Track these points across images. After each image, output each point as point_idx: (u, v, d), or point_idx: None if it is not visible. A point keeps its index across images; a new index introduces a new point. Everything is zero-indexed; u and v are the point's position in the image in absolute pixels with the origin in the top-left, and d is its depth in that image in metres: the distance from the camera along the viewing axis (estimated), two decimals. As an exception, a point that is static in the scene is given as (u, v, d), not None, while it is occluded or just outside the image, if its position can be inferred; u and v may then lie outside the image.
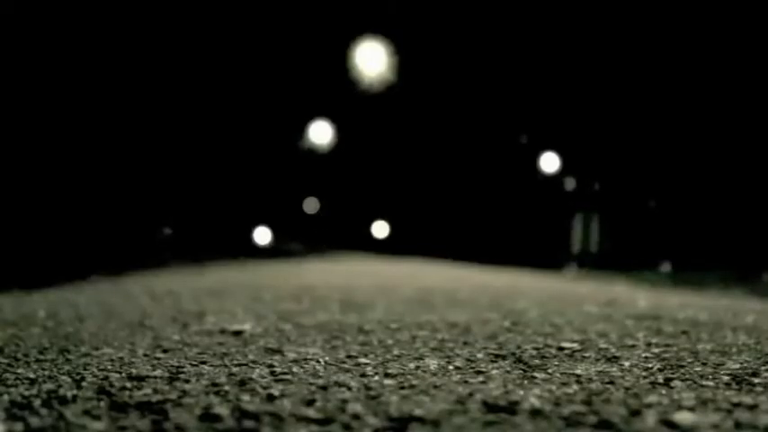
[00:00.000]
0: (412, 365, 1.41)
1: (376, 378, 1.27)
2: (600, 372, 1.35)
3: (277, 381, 1.24)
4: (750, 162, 8.92)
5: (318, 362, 1.44)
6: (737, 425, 0.94)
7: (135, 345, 1.66)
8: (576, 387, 1.20)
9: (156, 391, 1.15)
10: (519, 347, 1.65)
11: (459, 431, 0.92)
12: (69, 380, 1.24)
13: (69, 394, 1.13)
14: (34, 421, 0.97)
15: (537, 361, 1.47)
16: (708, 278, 5.40)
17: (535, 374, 1.32)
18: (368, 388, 1.18)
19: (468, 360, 1.48)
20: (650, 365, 1.42)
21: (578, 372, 1.35)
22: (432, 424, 0.95)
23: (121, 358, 1.48)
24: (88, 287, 3.65)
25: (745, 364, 1.43)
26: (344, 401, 1.08)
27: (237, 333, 1.86)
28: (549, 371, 1.36)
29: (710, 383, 1.24)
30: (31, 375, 1.29)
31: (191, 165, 11.72)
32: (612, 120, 11.43)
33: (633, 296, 3.36)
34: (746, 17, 9.13)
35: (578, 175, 11.62)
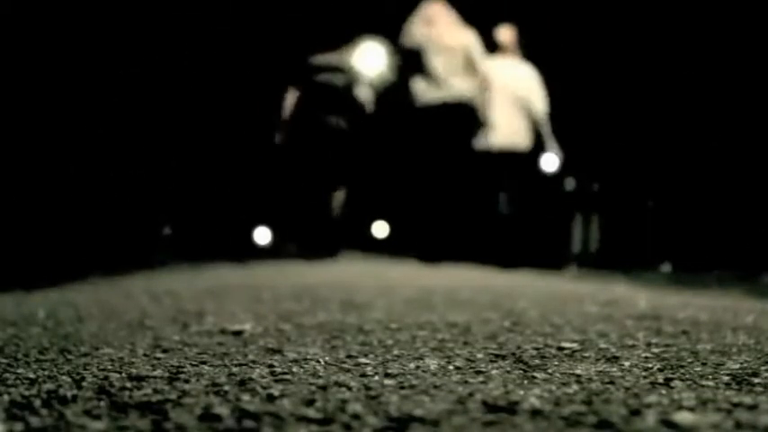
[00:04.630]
0: (412, 365, 1.41)
1: (376, 378, 1.28)
2: (600, 372, 1.35)
3: (277, 381, 1.24)
4: (750, 162, 8.92)
5: (318, 362, 1.44)
6: (737, 425, 0.94)
7: (135, 345, 1.66)
8: (576, 387, 1.20)
9: (156, 391, 1.15)
10: (519, 347, 1.65)
11: (459, 431, 0.92)
12: (69, 380, 1.25)
13: (69, 394, 1.13)
14: (34, 421, 0.97)
15: (537, 361, 1.47)
16: (708, 278, 5.40)
17: (535, 374, 1.32)
18: (368, 388, 1.18)
19: (468, 360, 1.48)
20: (650, 365, 1.42)
21: (578, 372, 1.35)
22: (432, 424, 0.95)
23: (121, 358, 1.48)
24: (88, 287, 3.65)
25: (745, 364, 1.43)
26: (344, 401, 1.08)
27: (237, 333, 1.86)
28: (549, 371, 1.36)
29: (710, 383, 1.24)
30: (31, 375, 1.29)
31: (190, 164, 11.72)
32: (612, 120, 11.43)
33: (633, 296, 3.36)
34: (746, 17, 9.13)
35: (578, 175, 11.63)
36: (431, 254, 6.41)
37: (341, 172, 7.26)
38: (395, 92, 6.41)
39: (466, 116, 6.15)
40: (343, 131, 7.10)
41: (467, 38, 6.35)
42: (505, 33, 6.87)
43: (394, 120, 6.82)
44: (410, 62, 6.29)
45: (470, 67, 6.23)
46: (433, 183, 6.29)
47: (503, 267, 6.21)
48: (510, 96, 6.60)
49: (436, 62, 6.18)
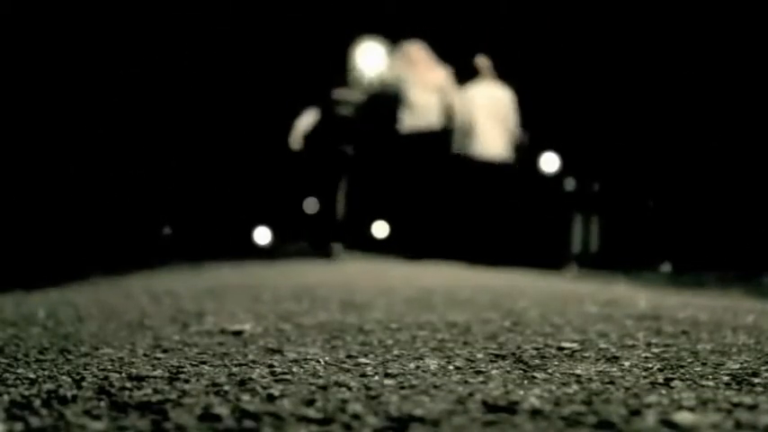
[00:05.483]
0: (412, 365, 1.41)
1: (376, 378, 1.28)
2: (600, 372, 1.35)
3: (277, 381, 1.24)
4: (750, 162, 8.92)
5: (318, 362, 1.44)
6: (737, 425, 0.94)
7: (135, 345, 1.66)
8: (576, 387, 1.20)
9: (156, 391, 1.15)
10: (519, 347, 1.65)
11: (459, 431, 0.92)
12: (69, 380, 1.25)
13: (69, 394, 1.13)
14: (34, 421, 0.97)
15: (537, 361, 1.47)
16: (708, 278, 5.41)
17: (535, 374, 1.32)
18: (368, 388, 1.18)
19: (468, 360, 1.48)
20: (650, 365, 1.42)
21: (578, 372, 1.35)
22: (432, 424, 0.95)
23: (121, 358, 1.48)
24: (88, 287, 3.65)
25: (745, 364, 1.43)
26: (344, 401, 1.08)
27: (237, 333, 1.86)
28: (549, 371, 1.36)
29: (710, 383, 1.24)
30: (31, 375, 1.29)
31: (190, 164, 11.73)
32: (612, 120, 11.43)
33: (633, 296, 3.36)
34: (746, 17, 9.13)
35: (578, 175, 11.65)
36: (418, 252, 7.56)
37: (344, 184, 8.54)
38: (386, 115, 7.85)
39: (437, 140, 7.57)
40: (349, 156, 8.31)
41: (442, 77, 7.69)
42: (483, 61, 8.05)
43: (389, 139, 8.08)
44: (393, 96, 7.70)
45: (445, 100, 7.60)
46: (415, 192, 7.73)
47: (492, 265, 6.92)
48: (491, 114, 7.85)
49: (415, 97, 7.53)
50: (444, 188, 7.67)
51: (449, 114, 7.60)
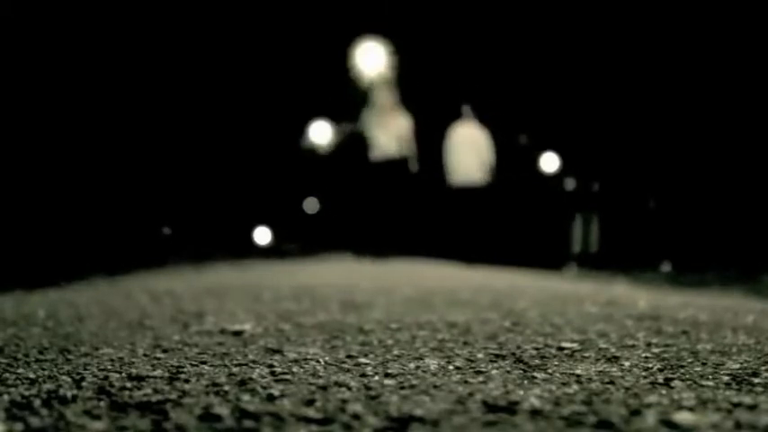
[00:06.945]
0: (412, 365, 1.41)
1: (376, 378, 1.28)
2: (600, 372, 1.35)
3: (277, 381, 1.24)
4: (750, 162, 8.92)
5: (318, 362, 1.44)
6: (737, 425, 0.94)
7: (135, 345, 1.66)
8: (576, 387, 1.20)
9: (156, 391, 1.15)
10: (519, 347, 1.65)
11: (459, 431, 0.92)
12: (69, 380, 1.25)
13: (69, 394, 1.13)
14: (34, 421, 0.97)
15: (537, 361, 1.47)
16: (708, 278, 5.40)
17: (535, 374, 1.32)
18: (368, 388, 1.18)
19: (468, 360, 1.48)
20: (650, 365, 1.42)
21: (578, 372, 1.35)
22: (432, 424, 0.95)
23: (121, 358, 1.48)
24: (88, 287, 3.65)
25: (745, 364, 1.43)
26: (344, 401, 1.08)
27: (237, 333, 1.86)
28: (549, 371, 1.36)
29: (710, 383, 1.24)
30: (31, 375, 1.29)
31: (190, 164, 11.73)
32: (612, 120, 11.43)
33: (633, 296, 3.36)
34: (746, 17, 9.13)
35: (578, 175, 11.66)
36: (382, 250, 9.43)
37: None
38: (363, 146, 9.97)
39: (395, 166, 9.67)
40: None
41: (402, 121, 9.70)
42: (465, 108, 10.10)
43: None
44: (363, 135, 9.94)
45: (403, 138, 9.67)
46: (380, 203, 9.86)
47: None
48: (469, 148, 9.95)
49: (379, 134, 9.65)
50: (401, 197, 9.81)
51: (407, 152, 9.71)
